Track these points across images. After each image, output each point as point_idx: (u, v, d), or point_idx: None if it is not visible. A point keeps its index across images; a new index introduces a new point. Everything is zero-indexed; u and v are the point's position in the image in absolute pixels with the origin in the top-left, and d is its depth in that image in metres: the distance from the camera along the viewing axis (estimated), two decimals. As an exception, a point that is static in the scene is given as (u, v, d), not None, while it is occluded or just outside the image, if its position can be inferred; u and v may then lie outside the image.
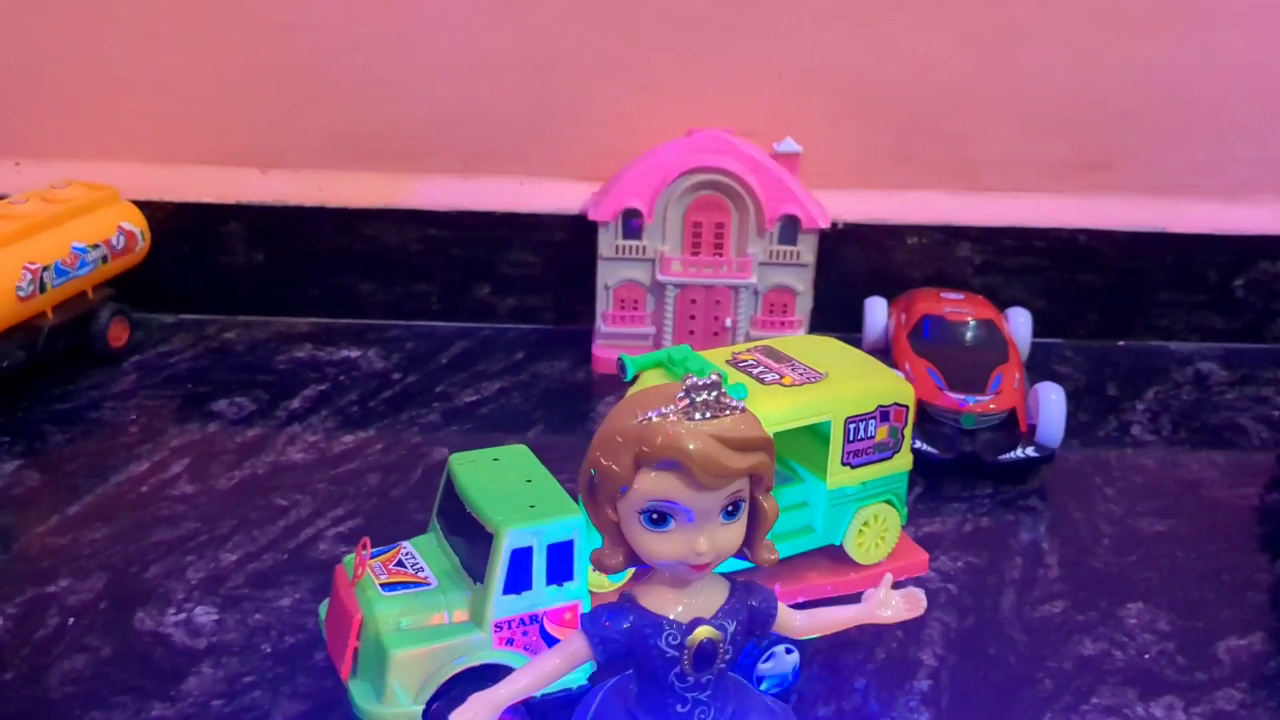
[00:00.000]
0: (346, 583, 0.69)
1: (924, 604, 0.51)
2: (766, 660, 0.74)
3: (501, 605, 0.66)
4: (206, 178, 1.29)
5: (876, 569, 0.76)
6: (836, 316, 1.26)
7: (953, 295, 1.19)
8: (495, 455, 0.73)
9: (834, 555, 0.76)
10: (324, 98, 1.26)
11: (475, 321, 1.32)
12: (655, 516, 0.45)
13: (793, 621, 0.50)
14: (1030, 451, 1.02)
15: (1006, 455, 1.02)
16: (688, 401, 0.45)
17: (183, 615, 0.82)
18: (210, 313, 1.31)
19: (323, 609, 0.73)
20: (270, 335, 1.27)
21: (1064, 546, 0.93)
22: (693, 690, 0.47)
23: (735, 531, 0.46)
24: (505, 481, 0.70)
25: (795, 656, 0.75)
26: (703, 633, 0.47)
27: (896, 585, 0.57)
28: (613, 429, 0.46)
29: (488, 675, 0.66)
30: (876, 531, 0.76)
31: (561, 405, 1.14)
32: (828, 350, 0.77)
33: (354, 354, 1.23)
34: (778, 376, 0.72)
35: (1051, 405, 1.02)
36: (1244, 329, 1.32)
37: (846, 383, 0.73)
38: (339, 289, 1.31)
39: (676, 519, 0.45)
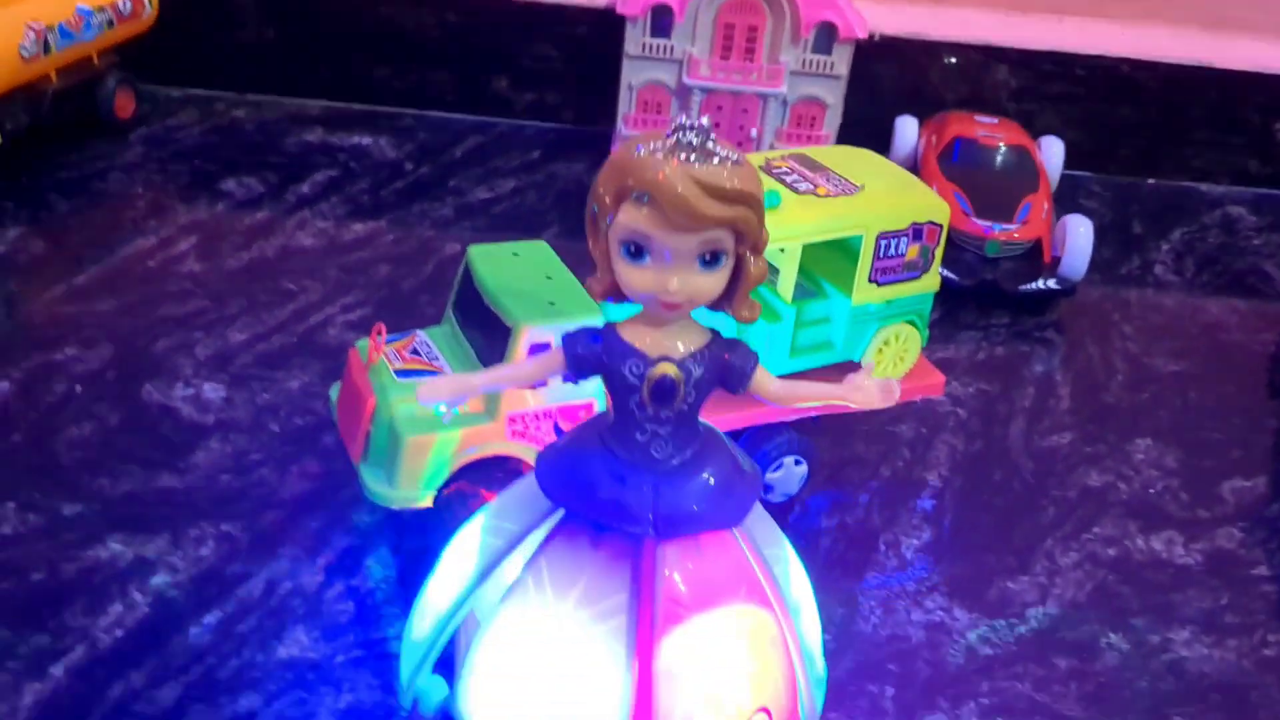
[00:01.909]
0: (360, 366, 0.68)
1: (897, 395, 0.52)
2: (775, 470, 0.74)
3: (515, 398, 0.66)
4: (216, -56, 1.23)
5: (893, 388, 0.75)
6: (865, 135, 1.20)
7: (986, 119, 1.15)
8: (515, 250, 0.71)
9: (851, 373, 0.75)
10: None
11: (491, 115, 1.27)
12: (633, 249, 0.45)
13: (768, 385, 0.51)
14: (1052, 284, 1.00)
15: (1027, 285, 1.00)
16: (674, 140, 0.45)
17: (191, 390, 0.82)
18: (218, 89, 1.26)
19: (334, 391, 0.72)
20: (280, 116, 1.23)
21: (1077, 380, 0.93)
22: (652, 422, 0.48)
23: (712, 281, 0.46)
24: (525, 276, 0.68)
25: (803, 468, 0.75)
26: (664, 368, 0.47)
27: (908, 404, 0.57)
28: (610, 161, 0.47)
29: (499, 465, 0.66)
30: (896, 351, 0.75)
31: (578, 208, 1.10)
32: (863, 162, 0.74)
33: (365, 141, 1.20)
34: (812, 186, 0.70)
35: (1079, 238, 1.00)
36: (1278, 175, 1.29)
37: (882, 197, 0.70)
38: (352, 72, 1.26)
39: (652, 254, 0.45)
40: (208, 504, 0.72)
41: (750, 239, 0.46)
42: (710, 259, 0.46)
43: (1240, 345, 1.00)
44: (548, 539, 0.50)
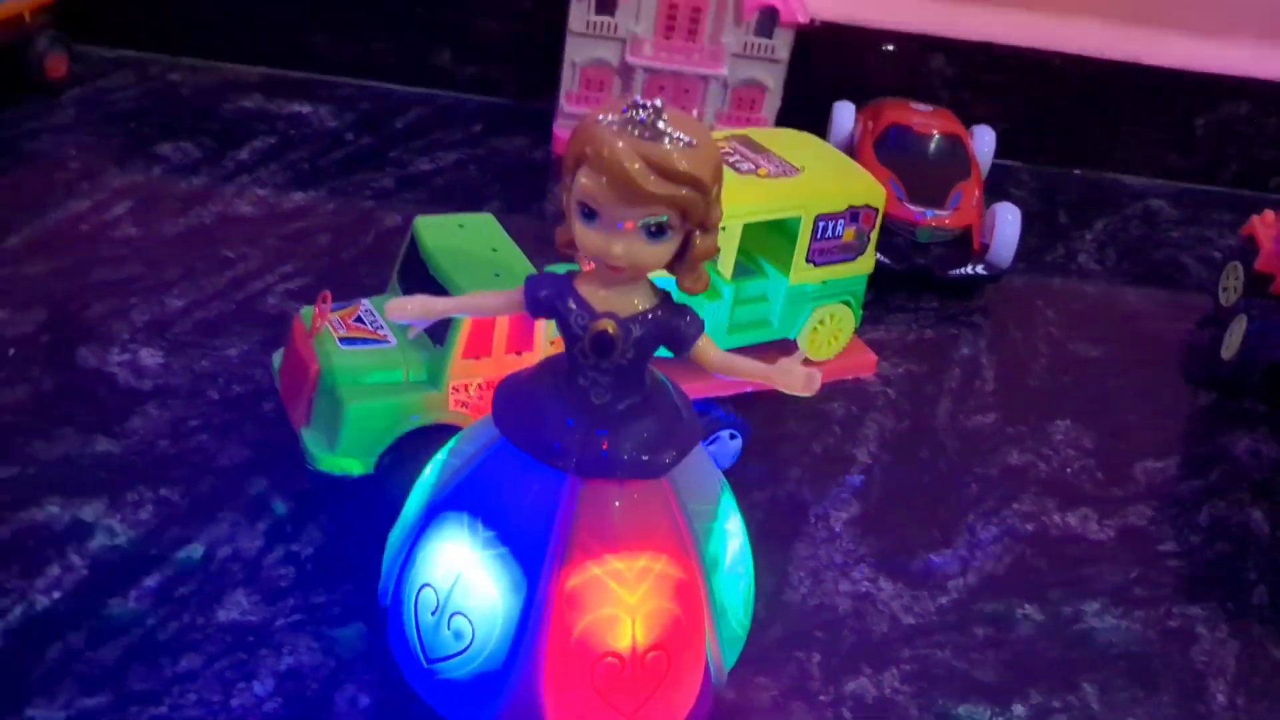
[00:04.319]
0: (304, 334, 0.68)
1: (816, 387, 0.54)
2: (712, 443, 0.76)
3: (460, 369, 0.67)
4: (154, -97, 1.20)
5: (826, 365, 0.78)
6: (803, 119, 1.23)
7: (921, 107, 1.18)
8: (461, 221, 0.72)
9: (787, 350, 0.77)
10: None
11: (433, 88, 1.27)
12: (586, 210, 0.48)
13: (708, 353, 0.53)
14: (980, 269, 1.03)
15: (957, 271, 1.03)
16: (627, 116, 0.47)
17: (127, 356, 0.81)
18: (152, 51, 1.24)
19: (276, 359, 0.73)
20: (217, 81, 1.22)
21: (1002, 363, 0.96)
22: (593, 370, 0.51)
23: (657, 252, 0.49)
24: (471, 248, 0.69)
25: (738, 442, 0.77)
26: (603, 324, 0.50)
27: (840, 382, 0.59)
28: (579, 123, 0.49)
29: (442, 435, 0.67)
30: (830, 330, 0.77)
31: (519, 183, 1.12)
32: (805, 146, 0.77)
33: (305, 109, 1.19)
34: (754, 167, 0.72)
35: (1007, 225, 1.03)
36: (1198, 169, 1.33)
37: (821, 180, 0.73)
38: (291, 39, 1.25)
39: (601, 219, 0.48)
40: (145, 469, 0.72)
41: (696, 217, 0.48)
42: (655, 231, 0.48)
43: (1156, 333, 1.04)
44: (480, 462, 0.54)
